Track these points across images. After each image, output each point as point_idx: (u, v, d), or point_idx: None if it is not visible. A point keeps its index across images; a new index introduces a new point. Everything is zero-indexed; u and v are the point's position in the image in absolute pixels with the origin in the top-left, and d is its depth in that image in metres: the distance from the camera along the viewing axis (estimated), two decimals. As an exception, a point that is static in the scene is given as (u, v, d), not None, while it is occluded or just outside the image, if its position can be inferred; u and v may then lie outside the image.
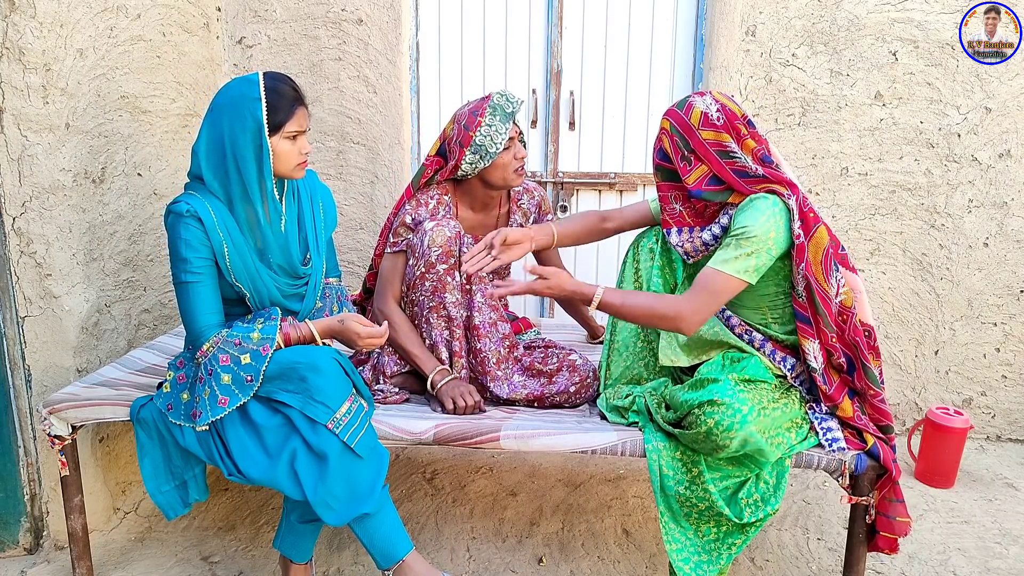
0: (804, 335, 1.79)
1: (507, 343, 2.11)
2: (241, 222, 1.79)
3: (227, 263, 1.75)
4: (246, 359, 1.71)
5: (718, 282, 1.72)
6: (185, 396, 1.76)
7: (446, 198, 2.18)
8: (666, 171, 1.89)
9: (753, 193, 1.75)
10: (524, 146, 2.16)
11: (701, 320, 1.74)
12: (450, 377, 2.01)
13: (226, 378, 1.70)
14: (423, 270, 2.03)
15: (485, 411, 2.00)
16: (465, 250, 2.05)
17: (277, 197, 1.84)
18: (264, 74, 1.75)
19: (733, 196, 1.79)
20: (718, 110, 1.76)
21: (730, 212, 1.81)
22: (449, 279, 2.03)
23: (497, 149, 2.05)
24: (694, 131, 1.77)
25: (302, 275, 1.93)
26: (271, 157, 1.74)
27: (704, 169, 1.79)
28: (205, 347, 1.73)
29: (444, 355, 2.05)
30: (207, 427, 1.71)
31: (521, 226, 2.32)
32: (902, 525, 1.78)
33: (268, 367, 1.70)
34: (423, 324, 2.07)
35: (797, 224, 1.71)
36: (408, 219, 2.14)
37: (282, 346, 1.75)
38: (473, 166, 2.09)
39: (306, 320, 1.86)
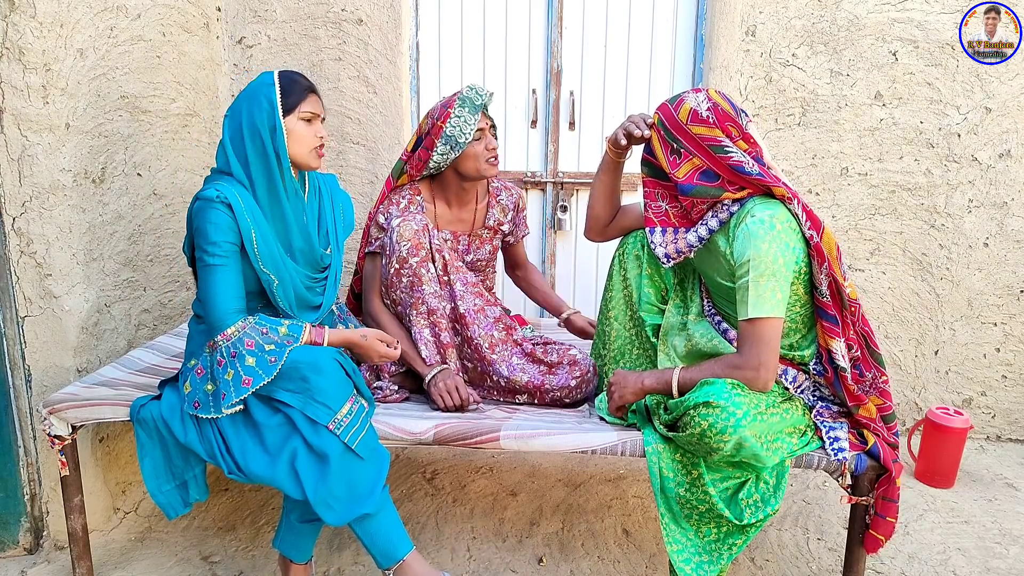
0: (831, 335, 1.74)
1: (501, 325, 2.12)
2: (264, 207, 1.83)
3: (255, 249, 1.78)
4: (271, 347, 1.73)
5: (762, 329, 1.66)
6: (210, 387, 1.76)
7: (418, 197, 2.23)
8: (653, 167, 1.86)
9: (750, 189, 1.73)
10: (495, 138, 2.21)
11: (771, 372, 1.68)
12: (438, 370, 2.02)
13: (251, 360, 1.71)
14: (397, 266, 2.05)
15: (480, 403, 2.02)
16: (436, 242, 2.08)
17: (297, 183, 1.90)
18: (279, 72, 1.85)
19: (725, 195, 1.74)
20: (708, 108, 1.72)
21: (719, 215, 1.77)
22: (423, 271, 2.05)
23: (467, 139, 2.11)
24: (682, 126, 1.74)
25: (322, 266, 1.98)
26: (286, 136, 1.81)
27: (696, 162, 1.74)
28: (229, 331, 1.73)
29: (427, 352, 2.06)
30: (235, 409, 1.71)
31: (499, 221, 2.36)
32: (889, 526, 1.78)
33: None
34: (408, 322, 2.09)
35: (807, 226, 1.70)
36: (381, 219, 2.20)
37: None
38: (445, 157, 2.15)
39: (325, 327, 1.87)
